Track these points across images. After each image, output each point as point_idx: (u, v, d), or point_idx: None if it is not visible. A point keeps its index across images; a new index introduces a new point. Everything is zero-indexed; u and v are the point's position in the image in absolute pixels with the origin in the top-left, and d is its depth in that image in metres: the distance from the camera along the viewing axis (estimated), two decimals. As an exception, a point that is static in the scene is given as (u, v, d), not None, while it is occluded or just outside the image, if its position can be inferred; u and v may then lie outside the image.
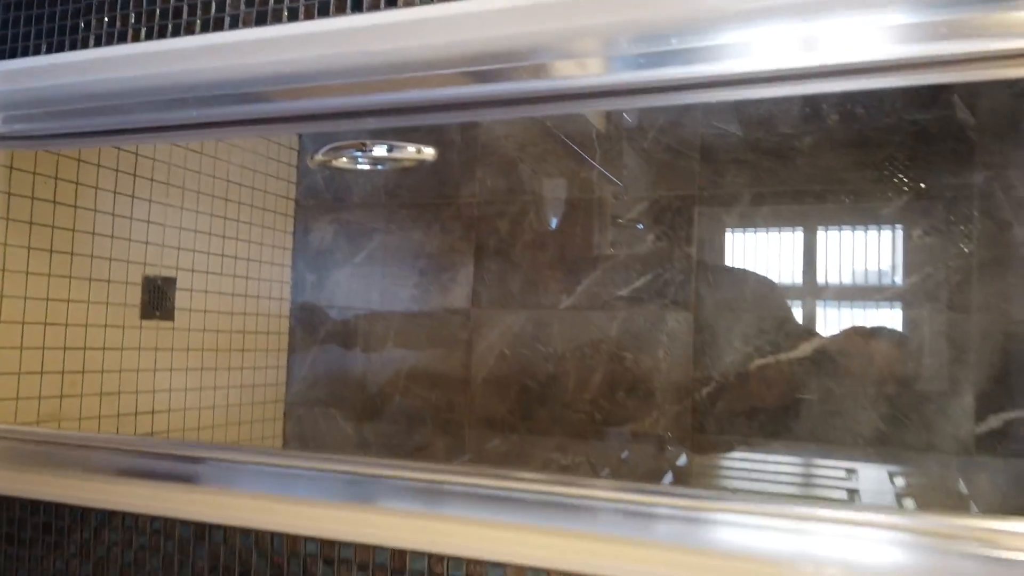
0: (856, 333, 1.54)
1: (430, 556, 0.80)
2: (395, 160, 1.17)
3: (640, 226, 1.70)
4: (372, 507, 0.85)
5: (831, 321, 1.56)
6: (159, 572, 0.93)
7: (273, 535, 0.87)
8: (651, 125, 1.71)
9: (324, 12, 0.89)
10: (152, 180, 1.57)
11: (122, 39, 0.99)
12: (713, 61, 0.80)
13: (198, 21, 0.95)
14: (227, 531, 0.89)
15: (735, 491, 1.20)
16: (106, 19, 1.00)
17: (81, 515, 0.97)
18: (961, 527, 0.68)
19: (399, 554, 0.82)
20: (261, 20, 0.92)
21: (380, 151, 1.11)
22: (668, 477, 1.59)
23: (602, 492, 0.79)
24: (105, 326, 1.48)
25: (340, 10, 0.89)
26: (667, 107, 1.69)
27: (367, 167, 1.37)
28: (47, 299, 1.36)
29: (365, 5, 0.88)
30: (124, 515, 0.95)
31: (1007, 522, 0.67)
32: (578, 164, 1.78)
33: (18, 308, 1.31)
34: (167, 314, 1.62)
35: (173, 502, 0.93)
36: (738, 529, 0.73)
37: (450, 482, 0.85)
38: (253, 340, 1.85)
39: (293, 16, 0.91)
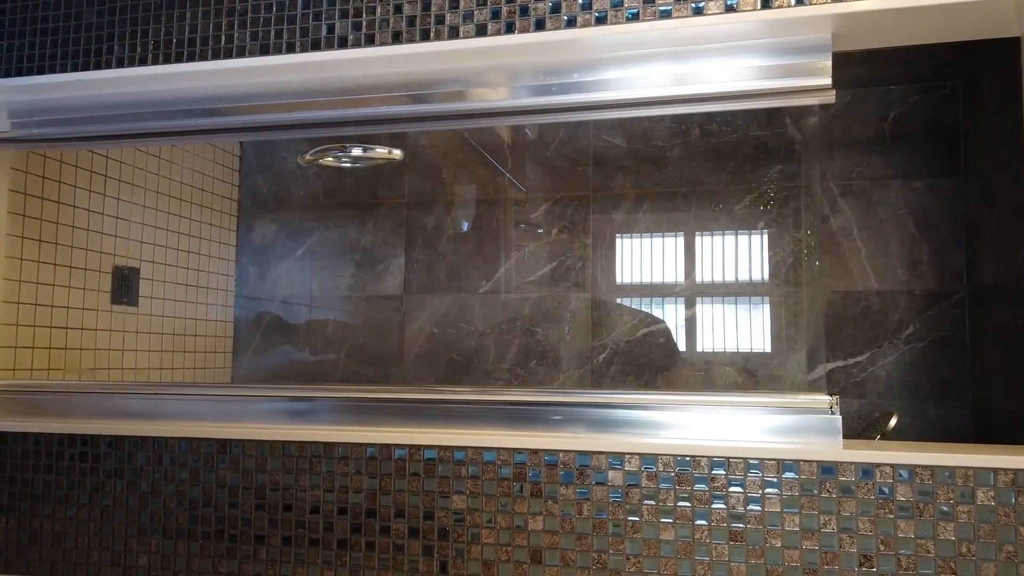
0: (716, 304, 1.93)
1: (381, 446, 1.09)
2: (370, 159, 1.45)
3: (540, 230, 2.04)
4: (368, 418, 1.14)
5: (701, 293, 1.95)
6: (187, 482, 1.17)
7: (284, 443, 1.14)
8: (552, 138, 2.05)
9: (316, 47, 1.18)
10: (120, 180, 1.77)
11: (143, 62, 1.23)
12: (597, 91, 1.15)
13: (209, 50, 1.21)
14: (245, 444, 1.15)
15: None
16: (126, 44, 1.24)
17: (114, 442, 1.20)
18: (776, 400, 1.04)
19: (384, 447, 1.11)
20: (264, 51, 1.19)
21: (357, 151, 1.39)
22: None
23: (527, 396, 1.11)
24: (83, 309, 1.67)
25: (329, 46, 1.17)
26: (564, 123, 2.04)
27: (348, 165, 1.64)
28: (37, 283, 1.55)
29: (348, 43, 1.17)
30: (154, 439, 1.18)
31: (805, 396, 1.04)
32: (491, 171, 2.10)
33: (15, 290, 1.49)
34: (132, 300, 1.82)
35: (199, 426, 1.18)
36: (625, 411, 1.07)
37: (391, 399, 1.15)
38: (204, 326, 2.06)
39: (290, 49, 1.19)
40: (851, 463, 0.98)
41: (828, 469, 0.99)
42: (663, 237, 1.98)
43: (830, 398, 1.02)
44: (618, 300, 1.99)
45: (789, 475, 0.99)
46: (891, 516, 0.97)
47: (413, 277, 2.11)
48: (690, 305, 1.96)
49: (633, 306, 1.99)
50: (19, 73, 1.31)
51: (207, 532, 1.16)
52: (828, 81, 1.07)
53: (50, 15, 1.28)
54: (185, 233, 1.99)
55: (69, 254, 1.63)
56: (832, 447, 1.00)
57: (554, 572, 1.05)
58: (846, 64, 1.48)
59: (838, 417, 1.02)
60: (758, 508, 1.00)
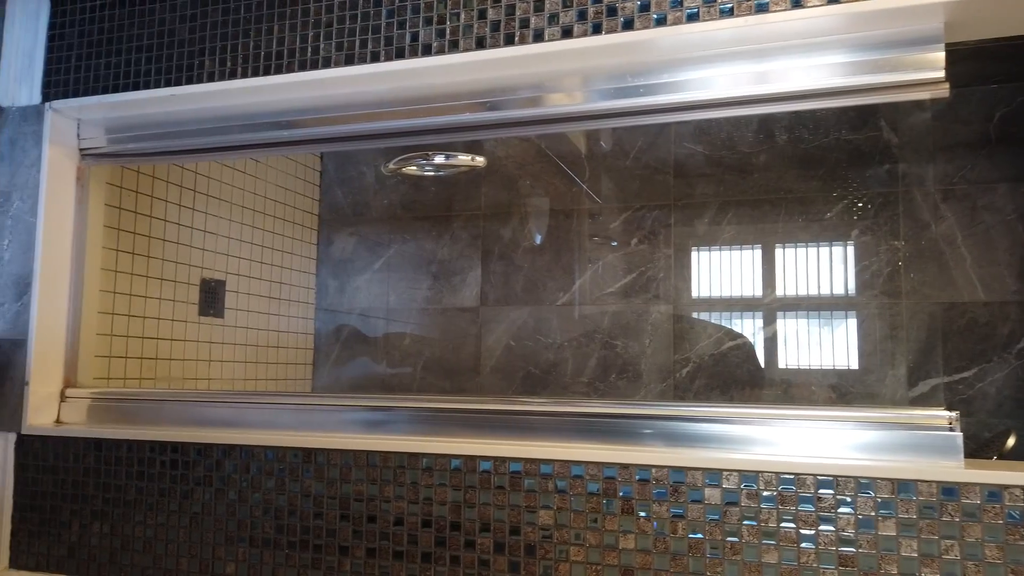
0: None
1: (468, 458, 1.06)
2: (453, 166, 1.44)
3: (614, 243, 1.99)
4: (448, 429, 1.12)
5: (787, 306, 1.87)
6: (273, 491, 1.17)
7: (368, 453, 1.12)
8: (631, 147, 2.01)
9: (400, 55, 1.17)
10: (208, 195, 1.82)
11: (232, 75, 1.25)
12: (675, 92, 1.10)
13: (296, 61, 1.22)
14: (330, 453, 1.14)
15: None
16: (218, 59, 1.27)
17: (203, 450, 1.21)
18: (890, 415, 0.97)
19: (469, 459, 1.08)
20: (349, 61, 1.19)
21: (440, 159, 1.39)
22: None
23: (604, 408, 1.07)
24: (172, 320, 1.71)
25: (413, 54, 1.17)
26: (644, 131, 1.99)
27: (431, 173, 1.64)
28: (130, 294, 1.59)
29: (432, 50, 1.16)
30: (241, 447, 1.19)
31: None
32: (568, 181, 2.07)
33: (109, 301, 1.54)
34: (219, 311, 1.86)
35: (283, 435, 1.18)
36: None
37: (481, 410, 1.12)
38: (286, 338, 2.09)
39: (375, 58, 1.19)
40: (975, 484, 0.90)
41: (949, 490, 0.91)
42: (751, 249, 1.90)
43: (949, 413, 0.94)
44: (695, 314, 1.93)
45: (905, 496, 0.92)
46: (1022, 543, 0.88)
47: (489, 289, 2.09)
48: (774, 319, 1.87)
49: (714, 319, 1.92)
50: (115, 90, 1.35)
51: (292, 542, 1.15)
52: (941, 74, 1.00)
53: (144, 32, 1.32)
54: (268, 246, 2.03)
55: (160, 267, 1.68)
56: (953, 467, 0.92)
57: (647, 594, 1.00)
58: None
59: (958, 434, 0.94)
60: (871, 531, 0.93)
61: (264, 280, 2.01)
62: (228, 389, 1.82)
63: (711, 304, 1.92)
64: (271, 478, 1.17)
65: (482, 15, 1.14)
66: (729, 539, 0.97)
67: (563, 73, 1.16)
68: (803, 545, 0.95)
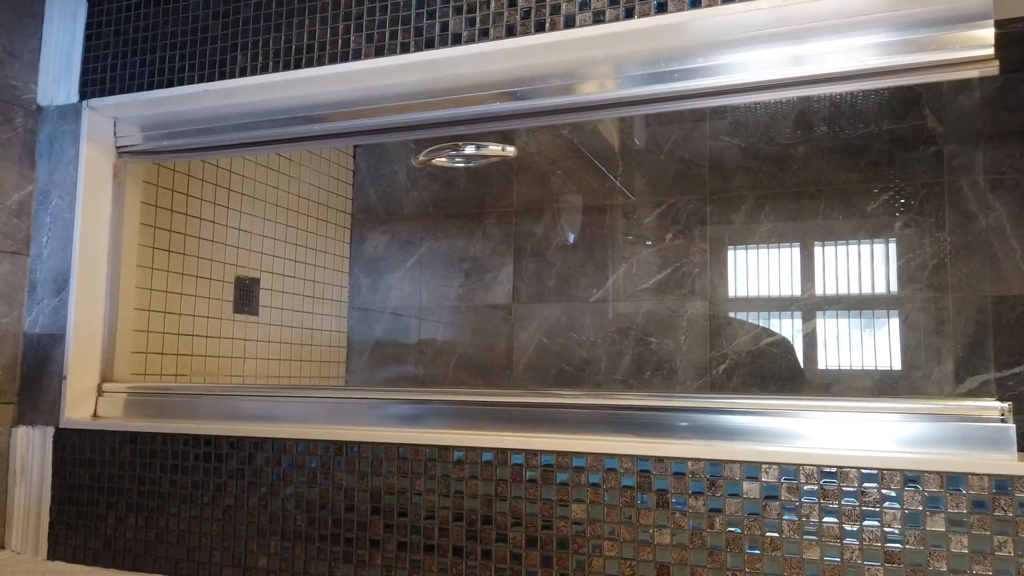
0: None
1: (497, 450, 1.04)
2: (483, 156, 1.42)
3: (648, 242, 1.96)
4: (481, 423, 1.10)
5: (826, 303, 1.82)
6: (304, 484, 1.16)
7: (399, 446, 1.11)
8: (665, 140, 1.98)
9: (430, 45, 1.17)
10: (242, 193, 1.83)
11: (264, 70, 1.26)
12: (710, 76, 1.08)
13: (327, 54, 1.22)
14: (360, 446, 1.14)
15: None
16: (249, 54, 1.27)
17: (236, 443, 1.21)
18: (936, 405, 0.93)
19: (500, 452, 1.06)
20: (379, 52, 1.19)
21: (470, 150, 1.37)
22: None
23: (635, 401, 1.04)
24: (207, 317, 1.73)
25: (443, 43, 1.16)
26: (678, 125, 1.96)
27: (462, 164, 1.63)
28: (166, 291, 1.61)
29: (463, 39, 1.15)
30: (273, 440, 1.19)
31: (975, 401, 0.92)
32: (600, 177, 2.04)
33: (145, 298, 1.56)
34: (253, 309, 1.87)
35: (315, 428, 1.18)
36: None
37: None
38: (319, 336, 2.10)
39: (404, 49, 1.18)
40: (1031, 478, 0.86)
41: (1002, 484, 0.86)
42: (789, 248, 1.86)
43: (1001, 404, 0.90)
44: (732, 314, 1.89)
45: (955, 490, 0.88)
46: (1083, 541, 0.84)
47: (522, 286, 2.08)
48: (813, 316, 1.83)
49: (751, 317, 1.88)
50: (150, 87, 1.36)
51: (324, 535, 1.15)
52: (990, 51, 0.96)
53: (178, 30, 1.34)
54: (303, 245, 2.04)
55: (196, 264, 1.70)
56: (1006, 460, 0.88)
57: (684, 590, 0.97)
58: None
59: (1011, 426, 0.89)
60: (918, 527, 0.89)
61: (298, 279, 2.02)
62: (262, 384, 1.83)
63: (749, 303, 1.88)
64: (303, 471, 1.17)
65: (512, 2, 1.13)
66: (769, 534, 0.94)
67: (595, 60, 1.14)
68: (847, 541, 0.91)
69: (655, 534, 0.99)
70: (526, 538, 1.05)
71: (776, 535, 0.94)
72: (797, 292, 1.84)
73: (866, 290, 1.78)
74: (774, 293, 1.86)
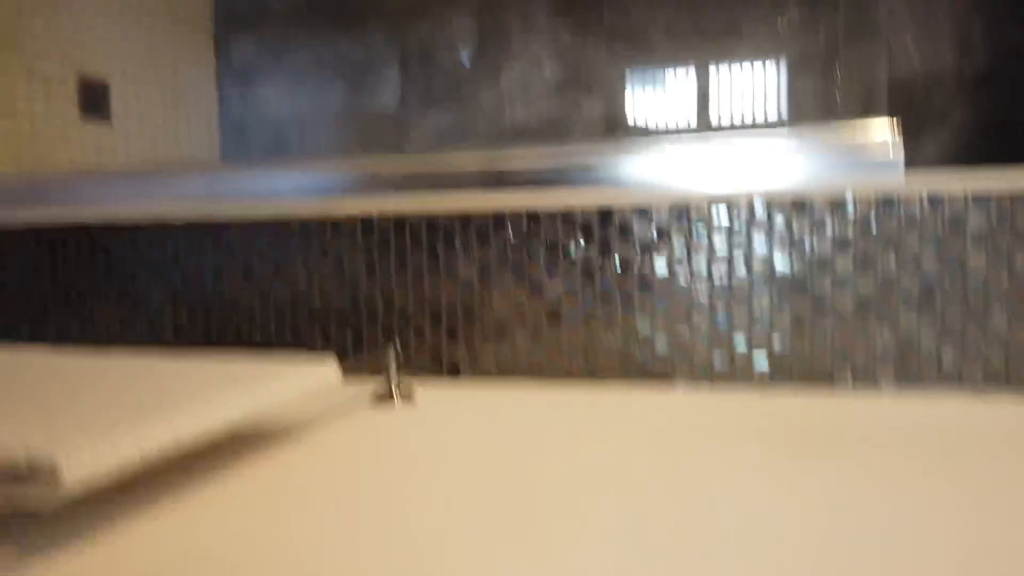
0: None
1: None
2: None
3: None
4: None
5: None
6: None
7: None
8: None
9: None
10: (74, -21, 1.58)
11: None
12: None
13: None
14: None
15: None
16: None
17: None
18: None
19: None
20: None
21: None
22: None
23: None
24: (49, 125, 1.53)
25: None
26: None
27: None
28: (-9, 87, 1.39)
29: None
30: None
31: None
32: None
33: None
34: (105, 115, 1.67)
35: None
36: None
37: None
38: (188, 153, 1.92)
39: None
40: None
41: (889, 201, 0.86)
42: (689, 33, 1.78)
43: (889, 119, 0.88)
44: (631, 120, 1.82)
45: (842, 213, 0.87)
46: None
47: (410, 91, 1.94)
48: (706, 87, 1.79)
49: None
50: None
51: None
52: None
53: None
54: (160, 49, 1.81)
55: (29, 61, 1.47)
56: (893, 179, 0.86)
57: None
58: None
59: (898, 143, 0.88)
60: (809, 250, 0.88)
61: (157, 86, 1.81)
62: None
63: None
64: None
65: None
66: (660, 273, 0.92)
67: None
68: (737, 270, 0.90)
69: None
70: (413, 298, 0.99)
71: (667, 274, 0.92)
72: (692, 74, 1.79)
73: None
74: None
